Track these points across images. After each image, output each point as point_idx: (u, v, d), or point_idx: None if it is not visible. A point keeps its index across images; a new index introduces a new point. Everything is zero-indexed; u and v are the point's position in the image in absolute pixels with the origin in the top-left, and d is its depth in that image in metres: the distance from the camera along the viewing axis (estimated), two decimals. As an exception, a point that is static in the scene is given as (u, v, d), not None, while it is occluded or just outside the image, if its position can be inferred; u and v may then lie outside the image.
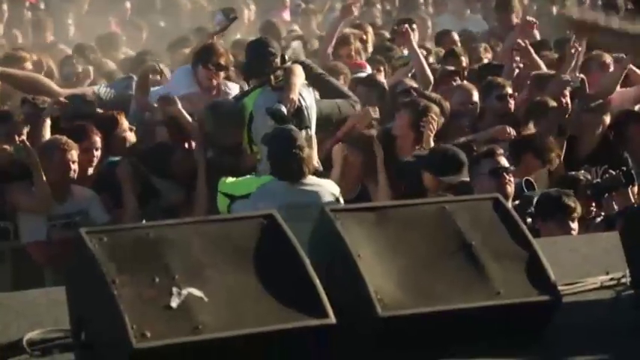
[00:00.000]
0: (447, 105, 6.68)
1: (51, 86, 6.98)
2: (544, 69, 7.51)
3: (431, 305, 3.81)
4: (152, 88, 6.85)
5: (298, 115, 6.04)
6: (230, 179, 5.65)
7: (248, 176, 5.75)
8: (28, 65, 7.87)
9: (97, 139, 6.04)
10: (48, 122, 6.17)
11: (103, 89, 6.97)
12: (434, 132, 6.35)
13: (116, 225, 4.15)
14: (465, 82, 7.37)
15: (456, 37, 9.23)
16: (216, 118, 6.10)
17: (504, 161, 5.69)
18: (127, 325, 3.43)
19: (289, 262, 3.76)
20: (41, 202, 5.67)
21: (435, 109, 6.36)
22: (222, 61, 6.68)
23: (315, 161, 5.95)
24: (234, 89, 6.68)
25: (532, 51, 7.52)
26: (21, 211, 5.75)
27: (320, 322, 3.62)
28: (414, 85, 7.08)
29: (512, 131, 6.60)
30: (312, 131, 6.15)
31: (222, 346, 3.55)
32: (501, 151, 5.66)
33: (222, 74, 6.71)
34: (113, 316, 3.45)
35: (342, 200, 5.61)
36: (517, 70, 7.50)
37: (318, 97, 6.45)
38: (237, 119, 6.09)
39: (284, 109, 5.93)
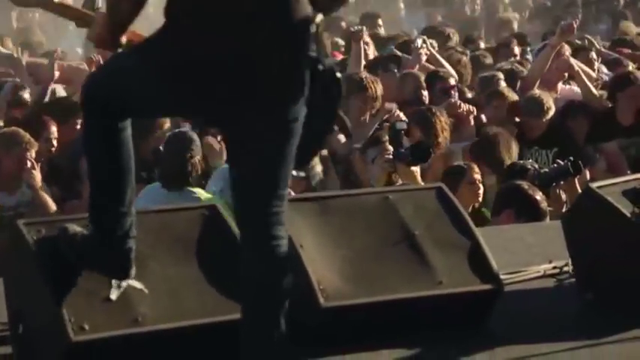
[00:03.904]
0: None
1: None
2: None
3: (373, 295, 3.81)
4: None
5: None
6: None
7: None
8: None
9: (54, 130, 6.07)
10: None
11: None
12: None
13: (54, 216, 4.11)
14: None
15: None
16: None
17: (390, 148, 5.68)
18: (65, 318, 3.39)
19: (231, 254, 3.74)
20: None
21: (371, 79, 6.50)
22: None
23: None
24: None
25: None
26: None
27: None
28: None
29: (462, 103, 6.69)
30: None
31: (163, 338, 3.52)
32: (386, 138, 5.67)
33: None
34: (50, 309, 3.42)
35: None
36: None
37: None
38: None
39: None
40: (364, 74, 6.93)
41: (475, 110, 6.88)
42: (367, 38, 7.95)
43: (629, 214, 4.01)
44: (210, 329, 3.58)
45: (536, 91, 7.26)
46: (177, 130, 5.65)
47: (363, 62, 7.43)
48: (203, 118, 3.46)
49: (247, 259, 3.33)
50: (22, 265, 3.54)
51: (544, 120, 7.03)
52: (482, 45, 9.64)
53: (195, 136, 5.44)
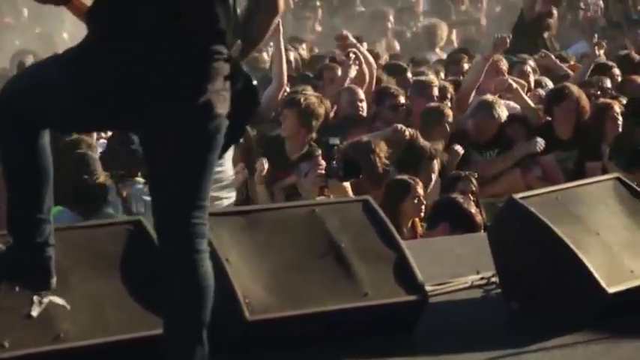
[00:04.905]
0: (327, 103, 6.80)
1: None
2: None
3: (299, 308, 3.82)
4: None
5: None
6: None
7: None
8: None
9: None
10: None
11: None
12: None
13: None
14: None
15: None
16: None
17: (322, 163, 5.71)
18: (-15, 336, 3.38)
19: (155, 269, 3.73)
20: None
21: (314, 98, 6.49)
22: None
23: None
24: None
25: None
26: None
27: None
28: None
29: (406, 129, 6.76)
30: None
31: (85, 354, 3.51)
32: (319, 152, 5.71)
33: None
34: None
35: None
36: None
37: None
38: None
39: None
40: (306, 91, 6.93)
41: (418, 134, 6.91)
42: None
43: (551, 225, 4.06)
44: (133, 345, 3.57)
45: (489, 97, 7.33)
46: (75, 153, 5.41)
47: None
48: (123, 129, 3.46)
49: (168, 273, 3.32)
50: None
51: (496, 124, 7.10)
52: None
53: (94, 155, 5.28)
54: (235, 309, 3.74)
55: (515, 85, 7.57)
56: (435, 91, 7.42)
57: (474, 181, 6.26)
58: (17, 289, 3.51)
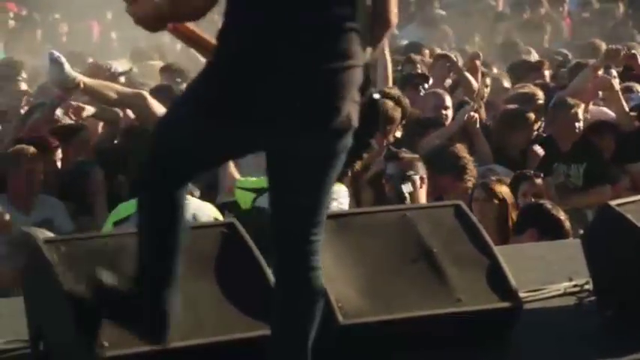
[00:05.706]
0: (405, 100, 6.79)
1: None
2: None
3: (391, 312, 3.82)
4: None
5: None
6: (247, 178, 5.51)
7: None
8: (23, 74, 8.02)
9: (59, 149, 6.12)
10: None
11: None
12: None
13: (74, 234, 4.15)
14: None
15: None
16: None
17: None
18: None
19: (251, 271, 3.77)
20: None
21: (389, 102, 6.50)
22: None
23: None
24: None
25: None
26: None
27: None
28: None
29: (475, 114, 6.78)
30: None
31: (182, 355, 3.55)
32: (402, 154, 5.71)
33: None
34: (71, 326, 3.45)
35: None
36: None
37: None
38: None
39: None
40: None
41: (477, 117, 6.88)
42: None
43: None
44: (228, 346, 3.60)
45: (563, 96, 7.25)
46: None
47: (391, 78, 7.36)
48: (256, 149, 3.30)
49: (282, 288, 3.28)
50: (42, 283, 3.58)
51: (575, 120, 6.98)
52: (494, 70, 9.57)
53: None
54: (328, 313, 3.74)
55: (617, 87, 7.40)
56: (540, 103, 7.36)
57: (539, 182, 6.19)
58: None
